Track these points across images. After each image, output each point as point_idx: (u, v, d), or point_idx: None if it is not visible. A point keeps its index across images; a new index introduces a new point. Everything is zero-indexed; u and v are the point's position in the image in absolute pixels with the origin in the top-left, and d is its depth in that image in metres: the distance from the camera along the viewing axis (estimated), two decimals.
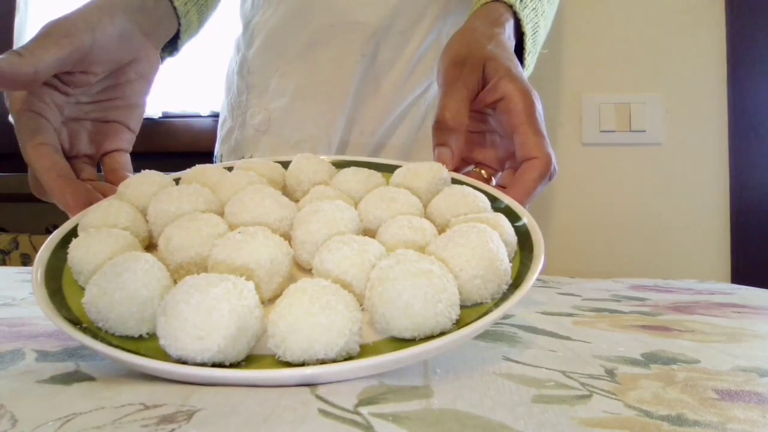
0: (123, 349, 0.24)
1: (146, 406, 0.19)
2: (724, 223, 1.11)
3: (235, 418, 0.19)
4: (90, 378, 0.23)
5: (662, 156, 1.13)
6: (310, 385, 0.23)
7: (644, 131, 1.13)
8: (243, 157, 0.72)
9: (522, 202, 0.38)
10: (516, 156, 0.42)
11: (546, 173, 0.40)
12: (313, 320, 0.23)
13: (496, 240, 0.29)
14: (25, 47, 0.37)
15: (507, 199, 0.37)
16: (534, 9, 0.54)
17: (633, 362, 0.27)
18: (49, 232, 1.51)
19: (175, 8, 0.51)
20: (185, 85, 1.42)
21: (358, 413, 0.19)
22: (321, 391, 0.22)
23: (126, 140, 0.46)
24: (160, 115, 1.47)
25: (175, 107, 1.45)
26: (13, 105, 0.40)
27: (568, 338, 0.32)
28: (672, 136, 1.13)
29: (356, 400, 0.20)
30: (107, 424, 0.18)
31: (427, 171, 0.38)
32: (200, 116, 1.43)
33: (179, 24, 0.52)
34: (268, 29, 0.69)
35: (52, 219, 1.50)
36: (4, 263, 1.42)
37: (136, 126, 0.47)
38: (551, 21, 0.60)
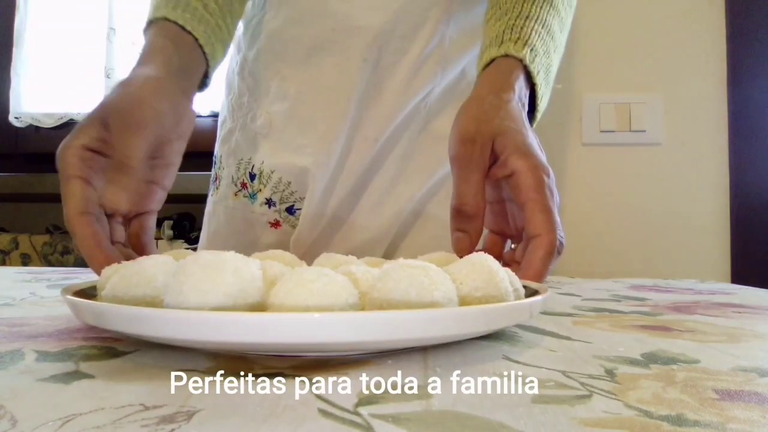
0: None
1: (146, 407, 0.19)
2: (724, 223, 1.11)
3: (235, 418, 0.19)
4: (90, 378, 0.23)
5: (662, 156, 1.13)
6: (306, 343, 0.22)
7: (644, 131, 1.13)
8: (242, 159, 0.71)
9: (537, 282, 0.39)
10: (525, 231, 0.42)
11: (552, 250, 0.41)
12: (310, 286, 0.24)
13: (496, 264, 0.30)
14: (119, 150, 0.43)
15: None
16: (546, 52, 0.53)
17: (633, 362, 0.27)
18: (49, 232, 1.52)
19: (204, 53, 0.54)
20: None
21: (358, 414, 0.19)
22: (321, 390, 0.22)
23: (158, 201, 0.49)
24: None
25: None
26: (64, 170, 0.42)
27: (568, 338, 0.32)
28: (672, 136, 1.13)
29: (356, 399, 0.20)
30: (107, 424, 0.18)
31: (442, 259, 0.39)
32: (200, 116, 1.43)
33: (207, 66, 0.55)
34: (269, 32, 0.69)
35: (52, 219, 1.50)
36: (4, 263, 1.42)
37: (170, 184, 0.50)
38: (564, 47, 0.59)
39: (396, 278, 0.26)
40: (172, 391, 0.21)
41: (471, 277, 0.29)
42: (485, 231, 0.47)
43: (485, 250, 0.48)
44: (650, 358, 0.27)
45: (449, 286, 0.27)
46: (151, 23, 0.55)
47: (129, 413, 0.19)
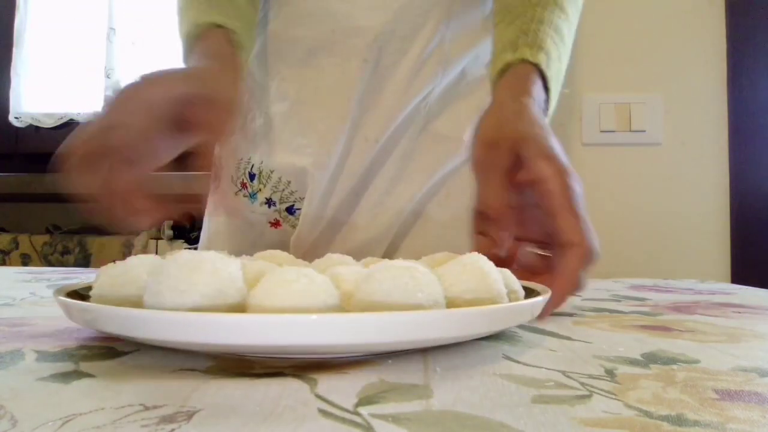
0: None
1: (146, 407, 0.19)
2: (724, 223, 1.11)
3: (235, 418, 0.19)
4: (90, 378, 0.23)
5: (662, 156, 1.13)
6: (288, 345, 0.22)
7: (644, 131, 1.13)
8: (242, 159, 0.72)
9: (567, 293, 0.38)
10: (556, 239, 0.41)
11: (586, 260, 0.39)
12: (289, 287, 0.24)
13: (489, 264, 0.30)
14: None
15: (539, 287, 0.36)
16: (558, 57, 0.53)
17: (633, 362, 0.27)
18: (49, 232, 1.52)
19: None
20: None
21: (358, 414, 0.19)
22: (321, 390, 0.22)
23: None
24: None
25: None
26: (155, 102, 0.42)
27: (568, 338, 0.32)
28: (672, 136, 1.13)
29: (356, 399, 0.20)
30: (107, 424, 0.18)
31: (445, 259, 0.38)
32: None
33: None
34: (270, 32, 0.69)
35: (52, 219, 1.50)
36: (4, 263, 1.42)
37: None
38: (570, 50, 0.59)
39: (379, 279, 0.26)
40: (172, 391, 0.21)
41: (461, 279, 0.28)
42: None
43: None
44: (650, 358, 0.27)
45: (435, 288, 0.26)
46: (200, 28, 0.55)
47: (129, 413, 0.19)
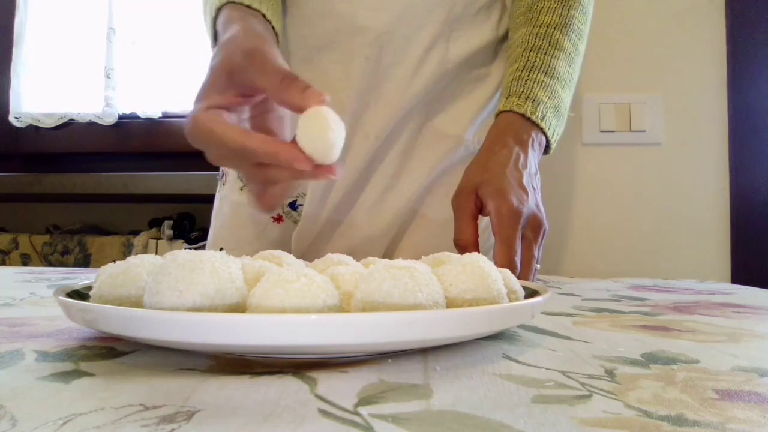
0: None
1: (146, 407, 0.19)
2: (724, 223, 1.11)
3: (235, 419, 0.19)
4: (90, 378, 0.23)
5: (662, 156, 1.13)
6: (287, 346, 0.22)
7: (644, 131, 1.13)
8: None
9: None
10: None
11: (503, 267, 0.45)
12: (288, 286, 0.24)
13: (489, 264, 0.30)
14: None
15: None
16: (552, 95, 0.61)
17: (633, 362, 0.27)
18: (49, 232, 1.52)
19: (273, 28, 0.55)
20: (185, 85, 1.42)
21: (358, 414, 0.19)
22: (321, 390, 0.22)
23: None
24: (160, 115, 1.46)
25: (175, 107, 1.45)
26: (202, 131, 0.41)
27: (568, 338, 0.32)
28: (672, 136, 1.13)
29: (356, 399, 0.20)
30: (107, 424, 0.18)
31: (444, 259, 0.38)
32: None
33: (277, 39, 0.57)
34: None
35: (52, 219, 1.50)
36: (4, 263, 1.42)
37: None
38: (578, 73, 0.66)
39: (379, 279, 0.26)
40: (172, 391, 0.21)
41: (461, 279, 0.28)
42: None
43: None
44: (650, 358, 0.27)
45: (435, 288, 0.26)
46: (221, 9, 0.54)
47: (129, 413, 0.19)
